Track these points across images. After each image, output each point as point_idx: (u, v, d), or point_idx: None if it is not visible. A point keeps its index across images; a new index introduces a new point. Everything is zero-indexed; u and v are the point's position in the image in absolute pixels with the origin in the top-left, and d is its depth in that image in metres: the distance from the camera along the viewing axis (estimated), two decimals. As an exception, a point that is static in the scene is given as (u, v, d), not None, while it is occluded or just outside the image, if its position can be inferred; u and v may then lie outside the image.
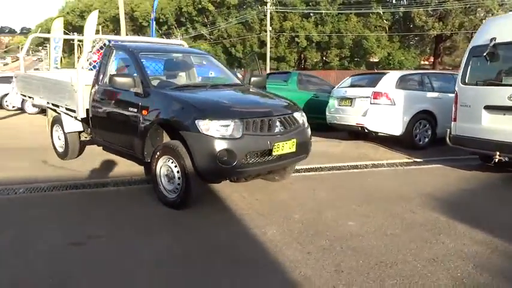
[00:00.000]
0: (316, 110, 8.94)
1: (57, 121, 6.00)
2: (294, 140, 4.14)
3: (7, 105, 14.88)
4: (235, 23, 39.16)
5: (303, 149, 4.37)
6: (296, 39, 35.81)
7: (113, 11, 45.63)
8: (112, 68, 5.00)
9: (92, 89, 5.08)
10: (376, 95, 7.01)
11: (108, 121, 4.87)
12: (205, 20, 42.89)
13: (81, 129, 5.68)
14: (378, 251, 3.08)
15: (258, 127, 3.89)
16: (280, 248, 3.13)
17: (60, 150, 6.08)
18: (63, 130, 5.75)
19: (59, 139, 6.08)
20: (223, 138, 3.68)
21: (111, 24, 48.95)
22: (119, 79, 4.27)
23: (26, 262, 2.90)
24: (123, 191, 4.71)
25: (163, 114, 4.04)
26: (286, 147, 4.06)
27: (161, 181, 4.10)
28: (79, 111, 5.13)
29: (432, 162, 6.37)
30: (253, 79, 5.42)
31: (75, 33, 31.86)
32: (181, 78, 5.42)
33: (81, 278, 2.67)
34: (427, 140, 7.35)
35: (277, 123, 4.06)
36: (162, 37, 45.98)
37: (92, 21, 16.00)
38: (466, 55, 5.73)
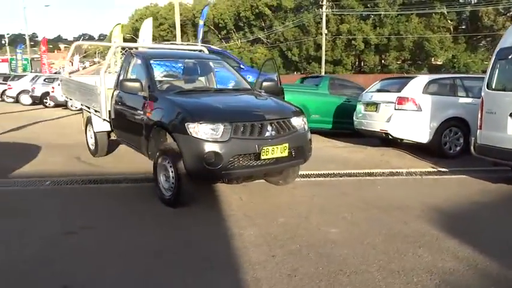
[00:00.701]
0: (347, 115, 8.78)
1: (89, 121, 6.54)
2: (286, 145, 4.18)
3: (71, 106, 16.32)
4: (292, 27, 39.22)
5: (298, 153, 4.39)
6: (353, 42, 35.04)
7: (177, 17, 47.85)
8: (131, 73, 5.36)
9: (113, 92, 5.50)
10: (401, 101, 6.74)
11: (124, 122, 5.25)
12: (263, 24, 43.45)
13: (109, 129, 6.13)
14: (344, 259, 3.04)
15: (247, 131, 3.99)
16: (248, 249, 3.20)
17: (92, 148, 6.63)
18: (93, 130, 6.27)
19: (91, 138, 6.62)
20: (210, 140, 3.84)
21: (174, 30, 51.33)
22: (128, 83, 4.60)
23: (23, 246, 3.26)
24: (133, 188, 5.04)
25: (162, 116, 4.29)
26: (277, 151, 4.11)
27: (160, 180, 4.35)
28: (102, 112, 5.57)
29: (458, 172, 5.99)
30: (264, 84, 5.52)
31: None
32: (197, 83, 5.67)
33: (59, 263, 2.96)
34: (458, 148, 6.92)
35: (269, 128, 4.12)
36: (221, 41, 47.34)
37: (146, 28, 17.00)
38: (492, 58, 5.35)
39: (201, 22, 15.86)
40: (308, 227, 3.73)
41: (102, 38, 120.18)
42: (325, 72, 32.84)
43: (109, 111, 5.57)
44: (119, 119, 5.34)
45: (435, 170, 6.15)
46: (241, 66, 11.64)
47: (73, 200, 4.56)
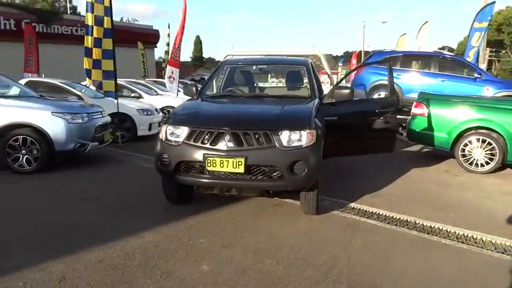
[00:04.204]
0: None
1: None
2: (242, 160, 3.55)
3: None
4: None
5: (268, 174, 3.63)
6: None
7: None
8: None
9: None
10: None
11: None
12: None
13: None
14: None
15: (200, 138, 3.72)
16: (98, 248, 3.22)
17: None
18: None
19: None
20: (165, 142, 3.89)
21: (528, 34, 42.59)
22: (187, 88, 5.17)
23: (57, 202, 4.65)
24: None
25: None
26: (228, 165, 3.59)
27: None
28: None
29: None
30: (336, 92, 4.67)
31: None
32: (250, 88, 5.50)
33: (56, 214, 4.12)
34: None
35: (226, 137, 3.64)
36: None
37: (422, 33, 15.81)
38: None
39: (480, 25, 12.75)
40: (196, 253, 3.18)
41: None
42: None
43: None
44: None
45: None
46: (476, 75, 9.12)
47: (138, 177, 5.65)
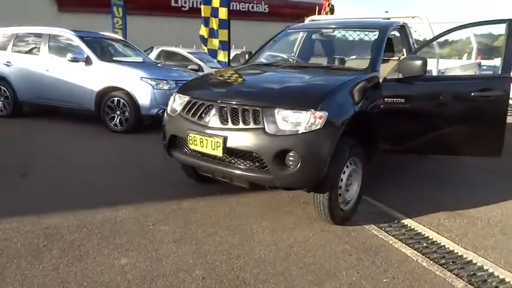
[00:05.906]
0: None
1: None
2: (220, 141, 2.86)
3: None
4: None
5: (251, 162, 2.87)
6: None
7: None
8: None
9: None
10: None
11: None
12: None
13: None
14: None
15: (192, 110, 3.17)
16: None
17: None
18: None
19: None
20: (168, 112, 3.50)
21: None
22: (238, 56, 4.60)
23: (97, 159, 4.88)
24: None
25: None
26: (207, 145, 2.96)
27: None
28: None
29: None
30: (402, 64, 3.40)
31: None
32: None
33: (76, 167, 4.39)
34: None
35: (212, 112, 3.00)
36: None
37: None
38: None
39: None
40: (137, 242, 2.71)
41: None
42: None
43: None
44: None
45: None
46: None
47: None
